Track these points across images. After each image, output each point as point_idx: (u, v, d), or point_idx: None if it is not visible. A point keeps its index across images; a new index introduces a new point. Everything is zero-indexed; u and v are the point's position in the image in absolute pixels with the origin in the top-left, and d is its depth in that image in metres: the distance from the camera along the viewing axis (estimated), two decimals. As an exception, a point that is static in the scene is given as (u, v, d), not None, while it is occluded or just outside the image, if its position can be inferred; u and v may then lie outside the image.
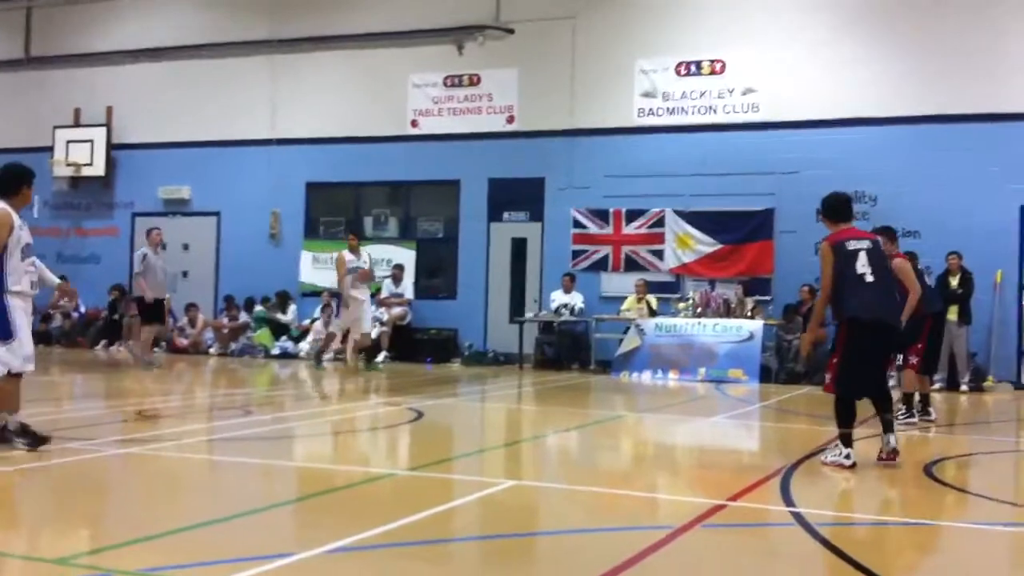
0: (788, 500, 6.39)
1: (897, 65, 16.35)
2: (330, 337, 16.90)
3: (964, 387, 14.82)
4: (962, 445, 9.65)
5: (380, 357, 17.43)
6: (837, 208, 7.90)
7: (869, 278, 7.51)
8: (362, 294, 15.90)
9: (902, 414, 10.30)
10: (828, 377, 7.68)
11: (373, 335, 17.27)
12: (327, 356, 16.75)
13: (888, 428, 7.65)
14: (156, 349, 17.12)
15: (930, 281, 10.76)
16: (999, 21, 15.88)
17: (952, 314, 14.02)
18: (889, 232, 10.00)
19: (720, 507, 6.15)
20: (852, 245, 7.60)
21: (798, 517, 5.82)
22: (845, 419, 7.61)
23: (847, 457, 7.46)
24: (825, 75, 16.75)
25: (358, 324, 15.93)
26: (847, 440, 7.52)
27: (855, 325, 7.50)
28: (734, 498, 6.46)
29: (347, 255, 15.91)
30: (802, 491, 6.70)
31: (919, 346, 10.32)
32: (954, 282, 14.83)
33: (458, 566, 4.99)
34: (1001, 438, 10.53)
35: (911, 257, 10.41)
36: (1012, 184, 15.49)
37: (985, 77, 15.79)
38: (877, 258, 7.64)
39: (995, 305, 15.57)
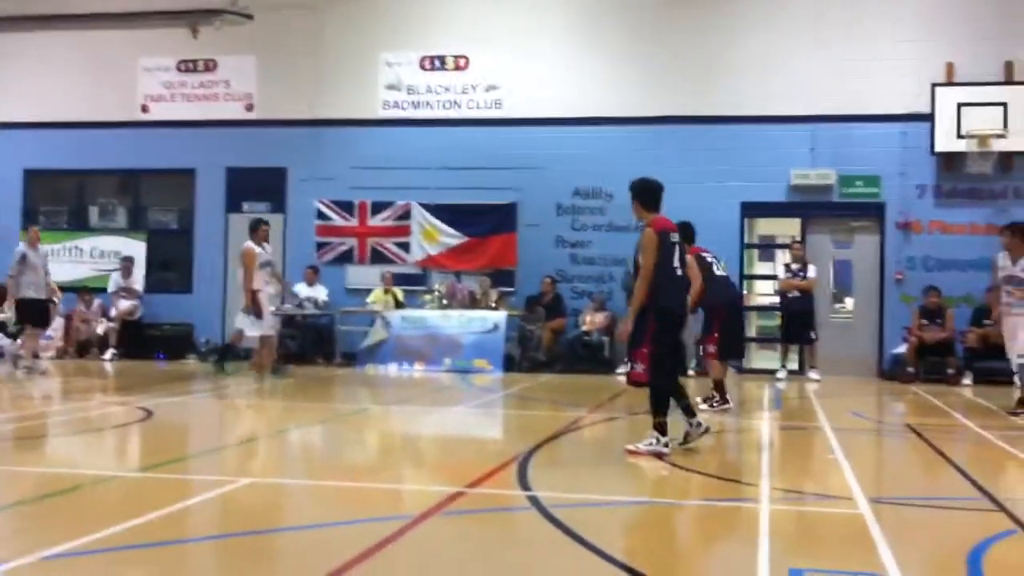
0: (525, 485, 6.50)
1: (635, 67, 17.03)
2: (250, 341, 14.09)
3: (691, 372, 15.66)
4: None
5: (108, 355, 16.38)
6: (653, 193, 7.93)
7: (679, 272, 7.80)
8: (272, 289, 14.35)
9: (716, 401, 10.75)
10: (641, 367, 7.58)
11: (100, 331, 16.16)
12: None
13: (691, 412, 7.91)
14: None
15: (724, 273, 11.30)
16: (731, 29, 16.86)
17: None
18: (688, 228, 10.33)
19: (459, 494, 6.17)
20: (672, 237, 7.76)
21: (534, 501, 5.93)
22: (663, 408, 7.62)
23: (666, 445, 7.52)
24: (566, 74, 17.27)
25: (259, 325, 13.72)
26: (664, 428, 7.56)
27: (668, 316, 7.66)
28: (473, 485, 6.50)
29: (254, 247, 13.60)
30: (540, 476, 6.84)
31: (715, 335, 10.76)
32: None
33: (187, 568, 4.73)
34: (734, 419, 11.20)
35: (703, 251, 10.84)
36: (735, 182, 16.51)
37: (716, 81, 16.71)
38: (683, 252, 7.93)
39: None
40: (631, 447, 7.61)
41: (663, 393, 7.67)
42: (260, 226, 13.80)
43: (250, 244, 13.57)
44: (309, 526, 5.45)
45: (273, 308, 14.57)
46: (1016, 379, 11.17)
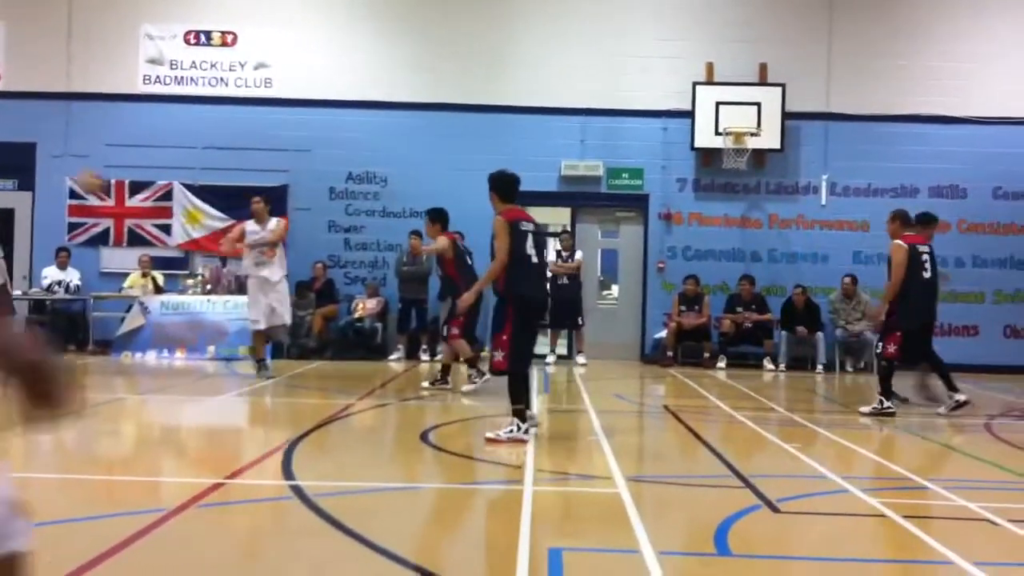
0: (288, 474, 6.30)
1: (409, 52, 16.93)
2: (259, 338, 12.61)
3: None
4: (454, 412, 10.21)
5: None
6: (510, 186, 8.13)
7: (535, 260, 7.91)
8: (273, 273, 12.15)
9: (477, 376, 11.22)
10: (500, 355, 7.62)
11: None
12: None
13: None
14: None
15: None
16: (509, 18, 17.01)
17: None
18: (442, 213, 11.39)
19: (218, 485, 5.91)
20: (524, 226, 7.90)
21: (297, 490, 5.75)
22: (522, 395, 7.69)
23: (527, 432, 7.57)
24: (341, 57, 16.93)
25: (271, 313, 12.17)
26: (523, 415, 7.62)
27: (524, 303, 7.74)
28: (233, 475, 6.25)
29: (249, 224, 12.20)
30: (304, 465, 6.66)
31: (459, 319, 10.89)
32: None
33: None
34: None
35: (456, 237, 11.57)
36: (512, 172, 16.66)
37: (493, 70, 16.85)
38: (540, 240, 8.08)
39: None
40: (491, 435, 7.57)
41: (522, 380, 7.76)
42: (254, 201, 12.38)
43: (244, 223, 12.45)
44: (54, 521, 5.05)
45: None
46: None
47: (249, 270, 12.29)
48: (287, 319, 12.58)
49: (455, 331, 11.15)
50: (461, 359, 11.42)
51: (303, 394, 11.65)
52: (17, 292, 16.07)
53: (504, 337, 7.62)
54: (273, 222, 12.40)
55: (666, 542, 4.92)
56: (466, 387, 11.21)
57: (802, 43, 16.87)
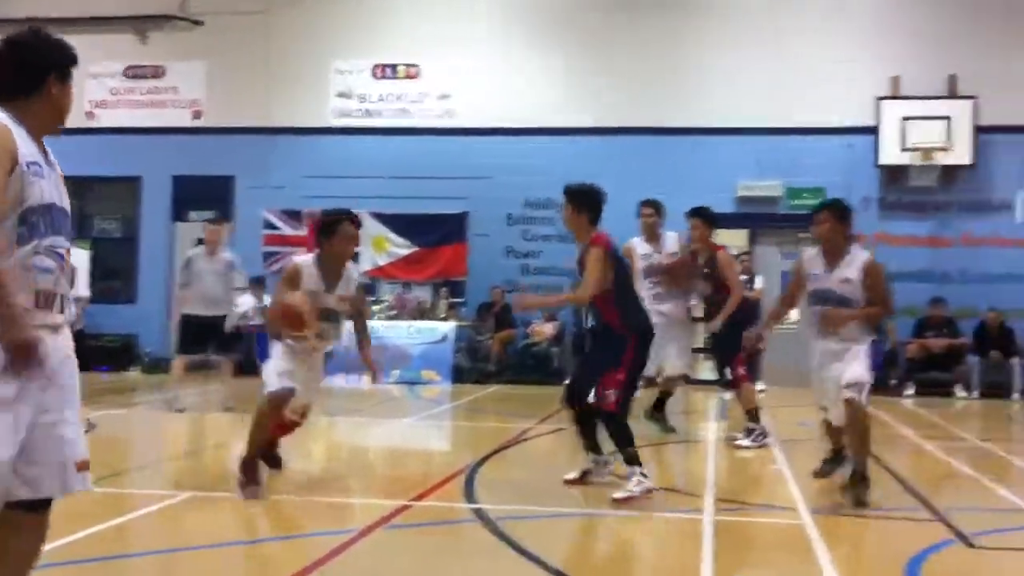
0: (471, 497, 6.48)
1: (589, 77, 17.07)
2: None
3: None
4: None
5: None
6: (601, 205, 7.08)
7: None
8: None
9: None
10: (612, 395, 6.49)
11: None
12: None
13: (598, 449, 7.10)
14: None
15: None
16: (682, 40, 16.91)
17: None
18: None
19: (405, 507, 6.13)
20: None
21: (479, 512, 5.91)
22: (632, 436, 6.61)
23: (646, 475, 6.49)
24: (519, 84, 17.23)
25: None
26: (639, 458, 6.55)
27: (645, 338, 6.73)
28: (419, 498, 6.47)
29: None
30: (485, 487, 6.82)
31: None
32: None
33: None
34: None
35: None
36: (682, 192, 16.56)
37: (668, 91, 16.78)
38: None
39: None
40: (620, 495, 6.38)
41: (625, 423, 6.65)
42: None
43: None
44: (257, 540, 5.39)
45: None
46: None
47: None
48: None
49: (742, 371, 9.41)
50: (745, 407, 9.36)
51: (481, 417, 11.90)
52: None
53: (620, 376, 6.51)
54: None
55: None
56: (744, 442, 9.16)
57: (994, 53, 16.11)
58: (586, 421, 6.89)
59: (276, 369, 6.53)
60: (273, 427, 6.77)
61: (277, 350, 6.59)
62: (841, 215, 6.76)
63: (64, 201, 3.50)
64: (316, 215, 16.99)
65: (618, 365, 6.52)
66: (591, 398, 6.75)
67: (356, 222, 6.81)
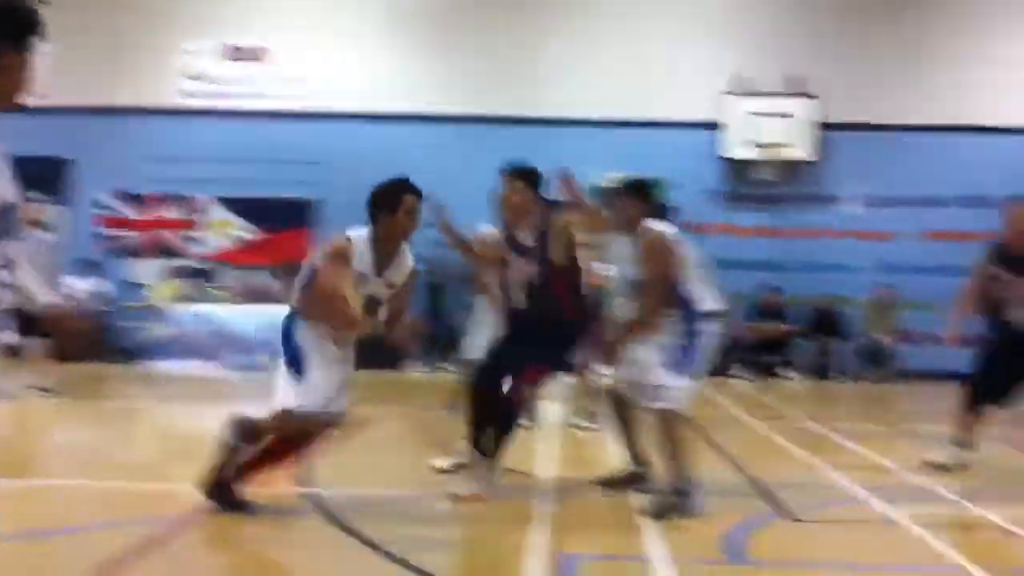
0: (307, 482, 6.32)
1: (443, 64, 17.02)
2: None
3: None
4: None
5: None
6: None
7: None
8: None
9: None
10: (526, 389, 6.18)
11: None
12: None
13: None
14: None
15: None
16: (550, 30, 17.04)
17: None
18: None
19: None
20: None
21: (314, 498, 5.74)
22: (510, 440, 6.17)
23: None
24: (374, 69, 17.03)
25: None
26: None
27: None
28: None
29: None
30: (322, 472, 6.66)
31: None
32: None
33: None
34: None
35: None
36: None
37: (525, 82, 16.87)
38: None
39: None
40: (462, 492, 5.98)
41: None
42: None
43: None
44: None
45: None
46: None
47: None
48: None
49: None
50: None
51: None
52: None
53: (543, 371, 6.30)
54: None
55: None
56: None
57: (840, 54, 16.79)
58: (485, 408, 6.07)
59: (321, 383, 5.34)
60: (284, 456, 5.57)
61: (313, 348, 5.40)
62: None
63: None
64: (163, 197, 16.62)
65: (547, 360, 6.20)
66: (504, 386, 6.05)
67: (419, 193, 5.66)
